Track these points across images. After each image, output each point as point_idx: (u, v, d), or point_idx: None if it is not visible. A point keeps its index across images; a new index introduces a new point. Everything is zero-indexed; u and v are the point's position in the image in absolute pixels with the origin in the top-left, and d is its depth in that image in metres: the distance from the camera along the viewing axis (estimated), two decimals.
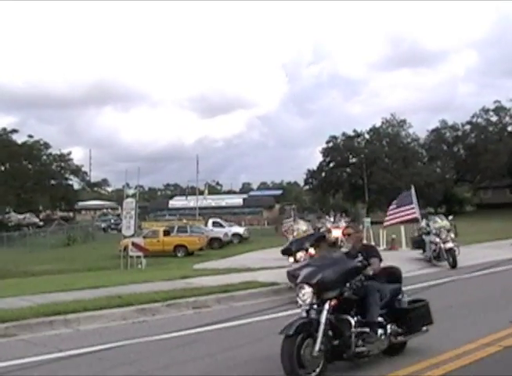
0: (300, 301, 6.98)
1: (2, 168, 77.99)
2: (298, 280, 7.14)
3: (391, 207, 27.50)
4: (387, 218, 27.86)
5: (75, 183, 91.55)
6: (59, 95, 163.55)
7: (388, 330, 7.41)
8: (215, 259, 29.07)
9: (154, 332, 9.71)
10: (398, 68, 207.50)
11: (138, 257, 25.75)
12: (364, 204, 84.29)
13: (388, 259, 9.23)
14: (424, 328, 7.94)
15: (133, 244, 25.90)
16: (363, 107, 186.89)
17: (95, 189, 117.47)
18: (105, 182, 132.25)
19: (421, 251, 21.91)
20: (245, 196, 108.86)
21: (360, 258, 7.44)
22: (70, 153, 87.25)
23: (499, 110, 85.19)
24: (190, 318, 11.25)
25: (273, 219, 76.19)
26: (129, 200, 29.35)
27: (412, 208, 25.05)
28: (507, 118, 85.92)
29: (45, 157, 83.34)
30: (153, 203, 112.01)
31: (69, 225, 71.02)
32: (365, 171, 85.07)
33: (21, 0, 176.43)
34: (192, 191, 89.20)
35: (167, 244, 38.58)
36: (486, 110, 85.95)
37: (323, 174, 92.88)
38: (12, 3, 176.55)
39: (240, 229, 54.53)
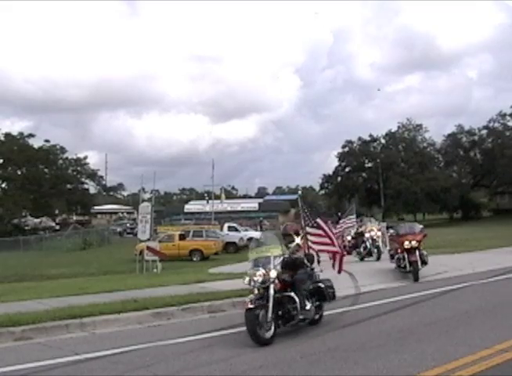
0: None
1: (19, 173, 78.40)
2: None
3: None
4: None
5: (91, 187, 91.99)
6: (72, 99, 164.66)
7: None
8: (231, 263, 29.02)
9: (169, 336, 9.73)
10: (412, 72, 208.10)
11: (154, 261, 25.78)
12: (380, 208, 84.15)
13: None
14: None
15: (148, 248, 25.92)
16: (378, 112, 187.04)
17: (111, 193, 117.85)
18: (120, 186, 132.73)
19: None
20: (260, 200, 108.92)
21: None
22: (86, 158, 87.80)
23: None
24: (205, 322, 11.27)
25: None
26: (145, 204, 29.35)
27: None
28: None
29: (61, 162, 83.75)
30: (168, 207, 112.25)
31: (85, 230, 71.31)
32: (381, 175, 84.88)
33: (36, 1, 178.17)
34: (208, 196, 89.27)
35: (183, 248, 38.65)
36: (503, 115, 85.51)
37: (339, 178, 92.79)
38: (25, 6, 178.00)
39: (256, 234, 54.47)
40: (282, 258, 9.95)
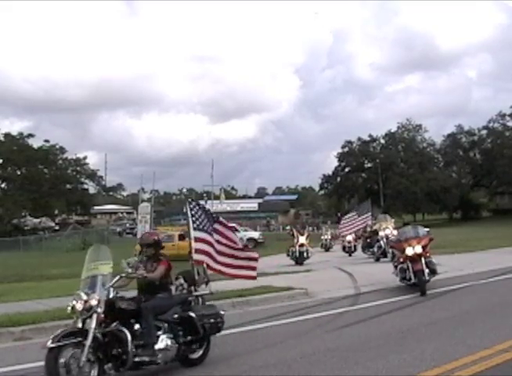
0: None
1: (18, 173, 78.29)
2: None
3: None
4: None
5: (91, 188, 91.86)
6: (71, 99, 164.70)
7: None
8: None
9: None
10: (411, 72, 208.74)
11: None
12: (380, 208, 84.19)
13: None
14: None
15: None
16: (377, 112, 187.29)
17: (111, 193, 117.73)
18: (120, 186, 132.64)
19: None
20: (260, 200, 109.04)
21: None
22: (85, 158, 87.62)
23: None
24: None
25: (288, 224, 76.37)
26: (144, 204, 29.43)
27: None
28: None
29: (60, 162, 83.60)
30: (168, 207, 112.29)
31: (84, 230, 71.21)
32: (381, 176, 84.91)
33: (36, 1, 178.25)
34: (208, 196, 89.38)
35: (182, 249, 38.53)
36: (502, 115, 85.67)
37: (339, 179, 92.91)
38: (25, 6, 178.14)
39: (255, 234, 54.53)
40: (118, 277, 7.35)
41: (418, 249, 14.40)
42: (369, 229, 27.99)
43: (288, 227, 30.78)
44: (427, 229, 16.18)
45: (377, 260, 25.19)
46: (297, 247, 27.54)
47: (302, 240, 28.04)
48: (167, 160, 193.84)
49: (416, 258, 14.32)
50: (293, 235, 28.40)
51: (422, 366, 7.24)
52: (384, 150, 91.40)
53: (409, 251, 14.46)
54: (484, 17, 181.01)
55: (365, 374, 7.11)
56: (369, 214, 28.85)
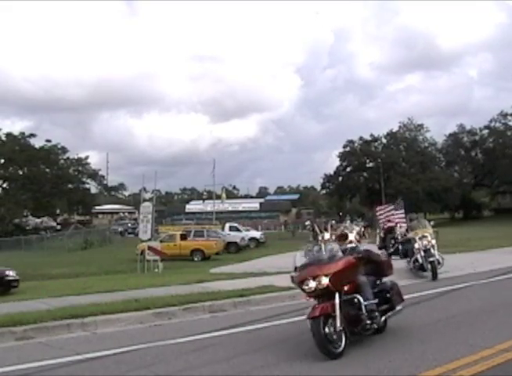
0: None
1: (20, 172, 78.37)
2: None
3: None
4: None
5: (92, 187, 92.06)
6: (72, 98, 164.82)
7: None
8: (232, 263, 29.03)
9: (171, 336, 9.72)
10: (412, 71, 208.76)
11: (156, 261, 25.81)
12: None
13: None
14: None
15: (149, 247, 25.95)
16: (379, 111, 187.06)
17: (112, 193, 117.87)
18: (122, 186, 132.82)
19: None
20: (262, 200, 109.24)
21: None
22: (87, 158, 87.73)
23: None
24: (207, 322, 11.24)
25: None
26: (146, 204, 29.40)
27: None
28: None
29: (62, 161, 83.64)
30: (169, 207, 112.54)
31: (86, 229, 71.42)
32: (383, 175, 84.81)
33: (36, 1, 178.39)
34: (209, 195, 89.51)
35: (184, 248, 38.68)
36: (504, 115, 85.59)
37: (340, 178, 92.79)
38: (25, 6, 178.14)
39: (257, 234, 54.62)
40: None
41: (323, 281, 8.28)
42: (400, 237, 24.67)
43: (308, 223, 27.86)
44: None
45: None
46: (323, 246, 24.58)
47: (327, 236, 24.86)
48: (168, 160, 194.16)
49: (321, 297, 8.40)
50: (313, 231, 25.34)
51: (424, 365, 7.24)
52: (386, 149, 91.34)
53: (309, 286, 8.44)
54: (484, 16, 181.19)
55: (367, 374, 7.11)
56: (403, 211, 27.17)
